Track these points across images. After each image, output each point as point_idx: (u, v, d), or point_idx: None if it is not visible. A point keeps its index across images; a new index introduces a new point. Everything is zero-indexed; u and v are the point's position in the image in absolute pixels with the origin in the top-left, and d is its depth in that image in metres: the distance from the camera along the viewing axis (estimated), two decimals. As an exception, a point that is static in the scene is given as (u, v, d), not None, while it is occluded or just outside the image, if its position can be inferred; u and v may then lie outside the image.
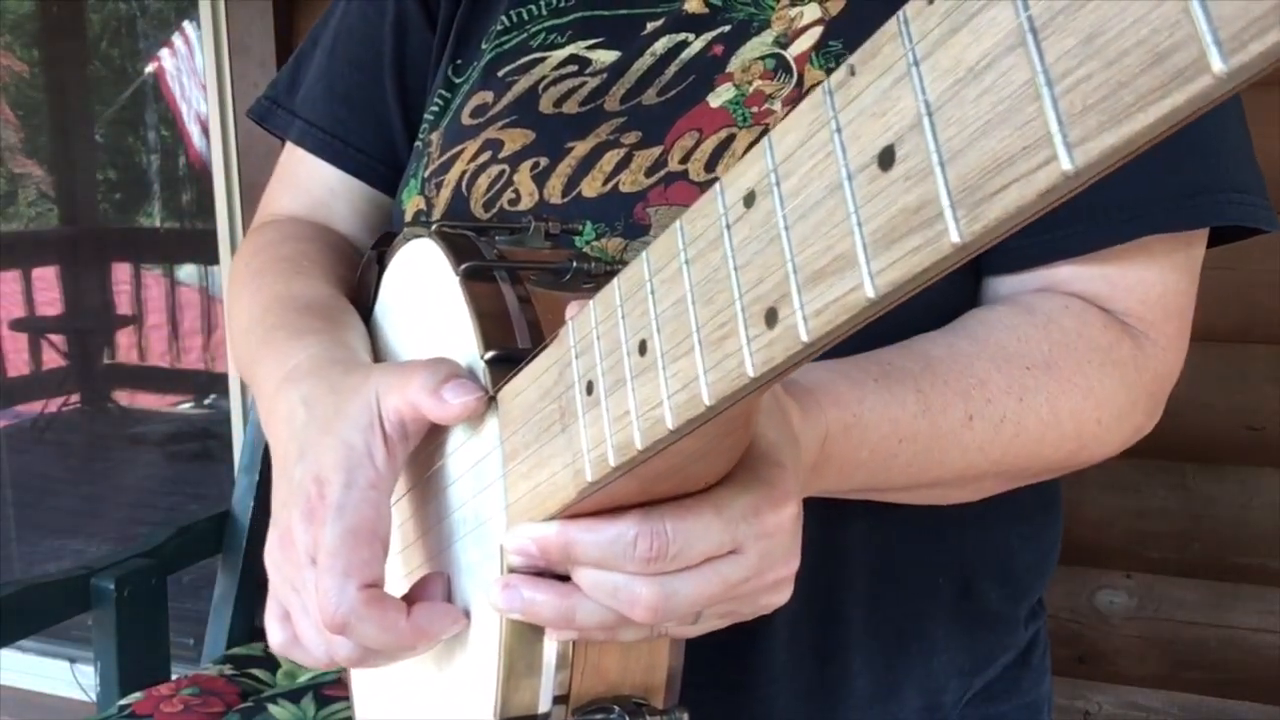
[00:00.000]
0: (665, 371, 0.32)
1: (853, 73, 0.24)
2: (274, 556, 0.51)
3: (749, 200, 0.27)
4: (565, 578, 0.43)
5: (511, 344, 0.48)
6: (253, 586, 1.26)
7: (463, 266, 0.50)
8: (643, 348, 0.33)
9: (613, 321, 0.35)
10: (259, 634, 1.26)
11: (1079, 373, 0.59)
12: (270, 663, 1.14)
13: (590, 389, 0.36)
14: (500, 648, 0.44)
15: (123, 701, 1.03)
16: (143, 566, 1.14)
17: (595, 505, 0.39)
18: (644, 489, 0.39)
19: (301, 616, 0.50)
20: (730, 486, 0.41)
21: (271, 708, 0.99)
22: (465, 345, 0.50)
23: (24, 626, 1.08)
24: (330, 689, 1.02)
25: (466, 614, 0.49)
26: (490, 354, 0.47)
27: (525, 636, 0.44)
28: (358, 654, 0.47)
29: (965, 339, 0.59)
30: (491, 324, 0.48)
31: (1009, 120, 0.20)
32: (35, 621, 1.09)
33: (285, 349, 0.57)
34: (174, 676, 1.11)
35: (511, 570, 0.43)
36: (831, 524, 0.63)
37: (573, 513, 0.40)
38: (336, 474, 0.47)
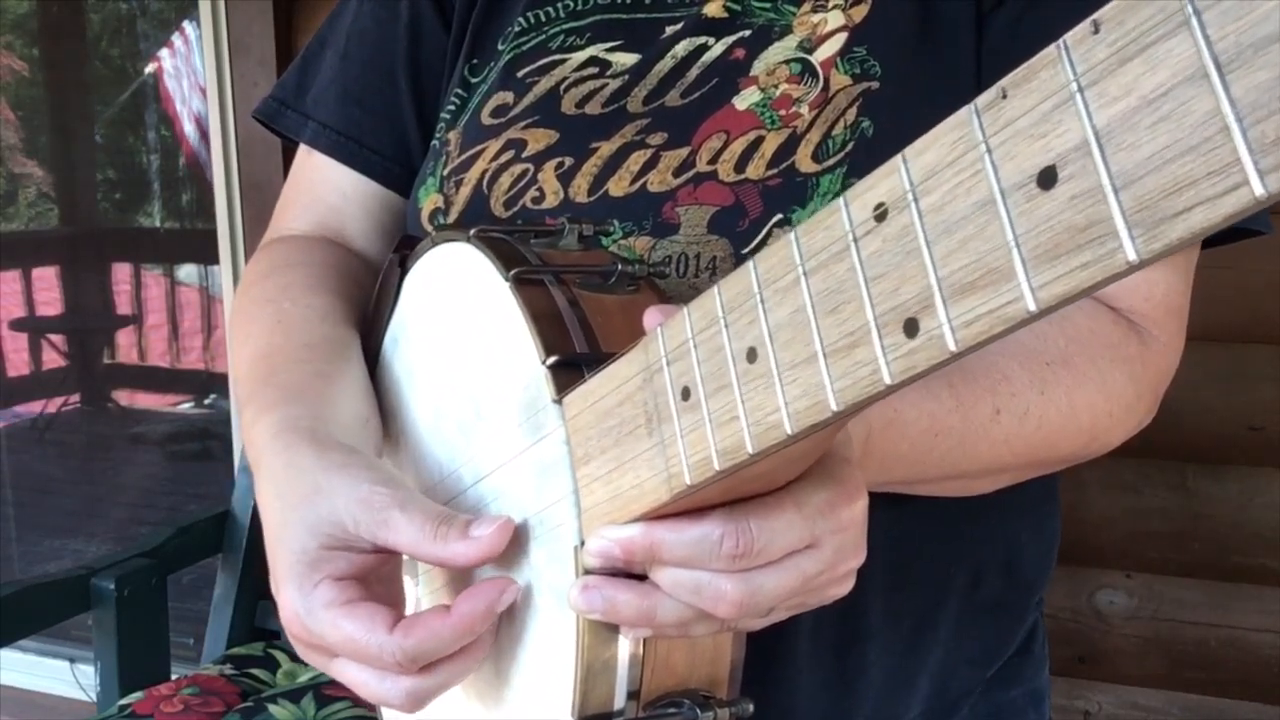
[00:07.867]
0: (782, 378, 0.32)
1: (1004, 95, 0.24)
2: (296, 638, 0.51)
3: (881, 215, 0.28)
4: (639, 577, 0.44)
5: (570, 348, 0.47)
6: (253, 586, 1.26)
7: (513, 272, 0.50)
8: (751, 355, 0.34)
9: (715, 329, 0.35)
10: (259, 634, 1.26)
11: (1093, 367, 0.60)
12: (270, 662, 1.14)
13: (687, 394, 0.37)
14: (578, 648, 0.45)
15: (123, 701, 1.03)
16: (143, 566, 1.14)
17: (681, 507, 0.40)
18: (730, 489, 0.39)
19: (357, 673, 0.50)
20: (807, 483, 0.42)
21: (271, 707, 0.99)
22: (519, 352, 0.49)
23: (24, 626, 1.08)
24: (330, 688, 1.02)
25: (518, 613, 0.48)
26: (552, 359, 0.46)
27: (601, 635, 0.45)
28: (428, 675, 0.47)
29: None
30: (549, 328, 0.48)
31: (1192, 148, 0.20)
32: (35, 621, 1.09)
33: (267, 411, 0.56)
34: (174, 676, 1.11)
35: (588, 572, 0.44)
36: None
37: (659, 515, 0.41)
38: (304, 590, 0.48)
